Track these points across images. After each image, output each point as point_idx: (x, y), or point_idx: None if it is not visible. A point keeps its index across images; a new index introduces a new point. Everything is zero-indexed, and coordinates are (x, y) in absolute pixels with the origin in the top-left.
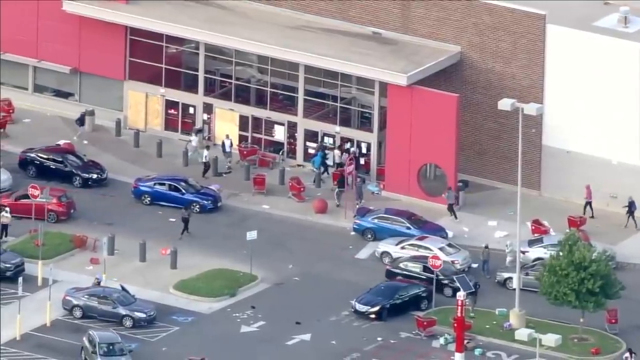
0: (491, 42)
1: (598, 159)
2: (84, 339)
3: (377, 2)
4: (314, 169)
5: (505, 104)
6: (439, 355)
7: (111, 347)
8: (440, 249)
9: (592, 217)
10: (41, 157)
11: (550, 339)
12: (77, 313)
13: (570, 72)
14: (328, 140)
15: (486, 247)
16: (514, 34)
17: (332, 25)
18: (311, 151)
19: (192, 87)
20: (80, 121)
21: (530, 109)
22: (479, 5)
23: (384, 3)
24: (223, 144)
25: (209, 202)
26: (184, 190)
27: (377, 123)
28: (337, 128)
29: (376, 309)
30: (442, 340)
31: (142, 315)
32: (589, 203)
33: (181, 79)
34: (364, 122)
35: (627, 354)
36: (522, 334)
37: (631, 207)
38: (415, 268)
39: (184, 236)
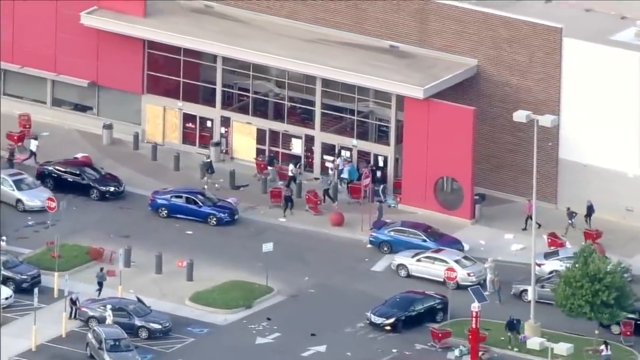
0: (508, 55)
1: (614, 172)
2: (89, 335)
3: (393, 16)
4: (350, 179)
5: (520, 115)
6: None
7: (117, 343)
8: (457, 261)
9: (525, 229)
10: (59, 170)
11: (562, 347)
12: (93, 324)
13: (587, 86)
14: (345, 154)
15: (497, 275)
16: (530, 47)
17: (349, 38)
18: (328, 164)
19: (209, 100)
20: (210, 169)
21: (545, 120)
22: (496, 18)
23: (401, 16)
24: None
25: (226, 214)
26: (201, 203)
27: (394, 136)
28: (354, 141)
29: (391, 320)
30: (457, 352)
31: (158, 326)
32: (529, 217)
33: (199, 92)
34: (381, 136)
35: (603, 347)
36: (534, 342)
37: (589, 210)
38: None
39: (289, 213)
